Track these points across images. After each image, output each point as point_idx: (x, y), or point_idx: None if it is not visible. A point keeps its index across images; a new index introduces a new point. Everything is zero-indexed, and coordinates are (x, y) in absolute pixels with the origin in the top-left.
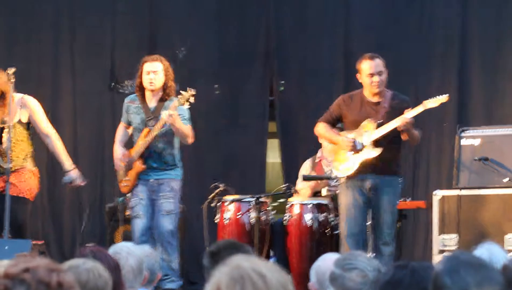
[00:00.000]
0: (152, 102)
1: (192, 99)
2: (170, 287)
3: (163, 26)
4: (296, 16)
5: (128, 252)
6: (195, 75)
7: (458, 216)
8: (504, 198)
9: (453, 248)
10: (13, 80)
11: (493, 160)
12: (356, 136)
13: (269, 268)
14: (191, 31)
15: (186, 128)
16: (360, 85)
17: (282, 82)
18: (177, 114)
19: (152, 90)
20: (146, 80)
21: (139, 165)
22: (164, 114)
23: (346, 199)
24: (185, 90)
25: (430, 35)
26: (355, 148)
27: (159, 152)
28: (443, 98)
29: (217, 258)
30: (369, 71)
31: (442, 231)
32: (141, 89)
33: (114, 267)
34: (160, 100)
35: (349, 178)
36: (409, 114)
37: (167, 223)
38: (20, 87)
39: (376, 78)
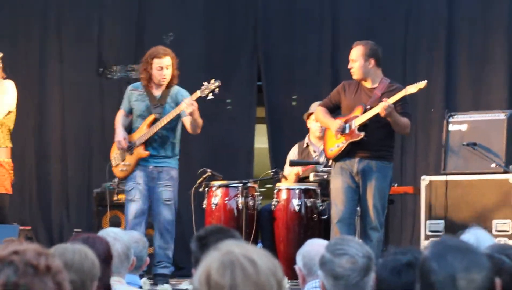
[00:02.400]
0: (157, 90)
1: (217, 91)
2: (162, 273)
3: (150, 13)
4: (284, 4)
5: (115, 238)
6: (183, 62)
7: (446, 201)
8: (491, 183)
9: (440, 233)
10: (1, 64)
11: (481, 145)
12: (346, 121)
13: (260, 255)
14: (179, 18)
15: (200, 120)
16: (348, 73)
17: (295, 97)
18: (196, 106)
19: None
20: (158, 76)
21: (142, 151)
22: (186, 102)
23: (337, 183)
24: (208, 82)
25: (417, 25)
26: (343, 131)
27: (162, 139)
28: (421, 84)
29: (204, 243)
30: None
31: (429, 216)
32: (149, 80)
33: (105, 254)
34: (165, 88)
35: (337, 161)
36: (390, 100)
37: (167, 212)
38: (8, 75)
39: (350, 65)
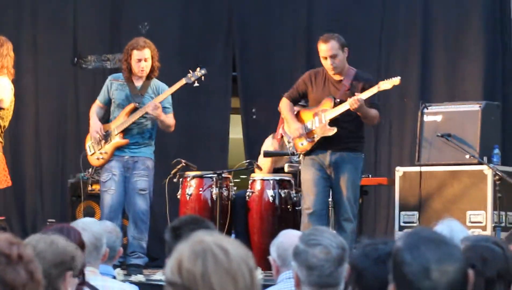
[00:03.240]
0: (138, 81)
1: (202, 79)
2: (136, 263)
3: (126, 2)
4: None
5: (83, 228)
6: (158, 50)
7: (420, 192)
8: (465, 175)
9: (414, 224)
10: None
11: (456, 137)
12: (315, 114)
13: (231, 243)
14: (154, 8)
15: (169, 119)
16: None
17: (254, 110)
18: (161, 109)
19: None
20: (136, 68)
21: (119, 140)
22: (150, 107)
23: (308, 175)
24: (194, 70)
25: (392, 15)
26: (303, 134)
27: (140, 128)
28: (395, 81)
29: (178, 233)
30: (322, 54)
31: (403, 207)
32: (129, 71)
33: (78, 244)
34: (146, 78)
35: (309, 154)
36: (361, 95)
37: (141, 202)
38: None
39: (328, 62)
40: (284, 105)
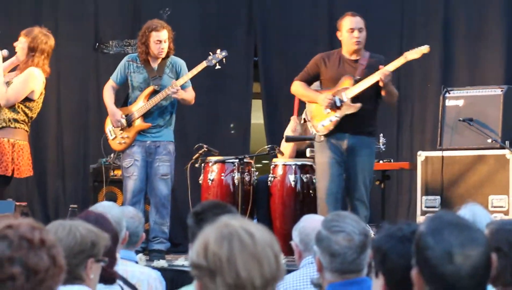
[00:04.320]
0: (154, 62)
1: (224, 61)
2: (158, 248)
3: None
4: None
5: (102, 212)
6: (179, 37)
7: (442, 177)
8: (487, 159)
9: (436, 209)
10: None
11: (477, 121)
12: (335, 94)
13: (257, 228)
14: None
15: (188, 95)
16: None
17: (232, 125)
18: (181, 90)
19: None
20: (156, 50)
21: (142, 123)
22: (170, 90)
23: (323, 158)
24: (214, 52)
25: (413, 1)
26: (334, 105)
27: (161, 110)
28: (423, 49)
29: (201, 218)
30: (350, 25)
31: (425, 192)
32: (146, 53)
33: (112, 236)
34: (162, 59)
35: (327, 136)
36: (390, 66)
37: (163, 187)
38: (2, 48)
39: (356, 34)
40: (299, 85)
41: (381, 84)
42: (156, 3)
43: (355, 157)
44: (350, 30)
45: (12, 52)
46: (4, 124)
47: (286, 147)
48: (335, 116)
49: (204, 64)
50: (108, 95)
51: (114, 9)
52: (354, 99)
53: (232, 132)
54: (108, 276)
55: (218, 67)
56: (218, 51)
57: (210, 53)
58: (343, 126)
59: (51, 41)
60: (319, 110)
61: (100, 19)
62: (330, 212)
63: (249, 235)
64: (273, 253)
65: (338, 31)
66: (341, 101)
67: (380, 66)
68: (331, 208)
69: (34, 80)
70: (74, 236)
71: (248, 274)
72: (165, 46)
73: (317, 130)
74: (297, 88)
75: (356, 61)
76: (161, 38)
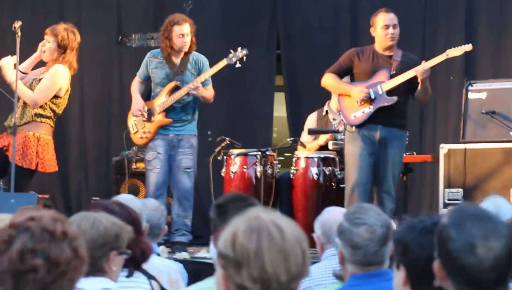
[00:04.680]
0: (176, 58)
1: (245, 59)
2: (180, 240)
3: None
4: None
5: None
6: (201, 30)
7: (464, 169)
8: (510, 152)
9: (459, 201)
10: (19, 33)
11: (500, 114)
12: (369, 87)
13: (287, 223)
14: None
15: (208, 92)
16: (368, 41)
17: (210, 132)
18: (201, 88)
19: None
20: (179, 43)
21: (163, 119)
22: (189, 87)
23: (354, 149)
24: (235, 50)
25: None
26: (369, 98)
27: (183, 104)
28: (467, 47)
29: (223, 211)
30: (385, 22)
31: (448, 185)
32: (169, 48)
33: (132, 222)
34: (184, 54)
35: (358, 127)
36: (429, 62)
37: (186, 180)
38: (26, 44)
39: (391, 30)
40: (330, 77)
41: (419, 79)
42: None
43: (386, 149)
44: (384, 26)
45: (34, 46)
46: (30, 119)
47: (308, 140)
48: (369, 108)
49: (224, 62)
50: (134, 87)
51: (136, 2)
52: (389, 93)
53: (210, 139)
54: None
55: (238, 65)
56: (239, 49)
57: (231, 50)
58: (375, 118)
59: (78, 37)
60: (352, 102)
61: (122, 12)
62: (360, 202)
63: (279, 230)
64: (301, 249)
65: (372, 27)
66: (376, 94)
67: (423, 61)
68: (360, 198)
69: (60, 77)
70: (98, 228)
71: (274, 269)
72: (187, 39)
73: (349, 120)
74: (329, 80)
75: (390, 57)
76: (183, 32)
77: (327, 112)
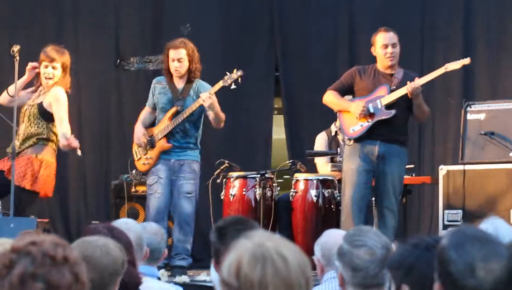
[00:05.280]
0: (179, 83)
1: (239, 80)
2: (180, 264)
3: (167, 3)
4: None
5: (126, 228)
6: (200, 52)
7: (464, 191)
8: (509, 173)
9: (458, 223)
10: (18, 57)
11: (499, 135)
12: (368, 101)
13: (291, 250)
14: (196, 8)
15: (220, 111)
16: (366, 62)
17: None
18: (215, 98)
19: (178, 76)
20: (171, 67)
21: (164, 144)
22: (204, 96)
23: (351, 165)
24: (230, 72)
25: (434, 13)
26: (367, 112)
27: (184, 132)
28: (465, 61)
29: (224, 234)
30: (384, 42)
31: (447, 206)
32: (169, 72)
33: (126, 245)
34: (187, 81)
35: (357, 142)
36: (422, 79)
37: (187, 205)
38: (24, 67)
39: (390, 49)
40: (332, 94)
41: (409, 95)
42: (177, 18)
43: (384, 165)
44: (383, 46)
45: (24, 66)
46: (33, 142)
47: (321, 162)
48: (367, 122)
49: (220, 84)
50: (140, 117)
51: (134, 25)
52: (388, 107)
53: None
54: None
55: (233, 86)
56: (234, 70)
57: (227, 72)
58: (374, 133)
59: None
60: (351, 117)
61: (120, 35)
62: (354, 220)
63: (283, 259)
64: (305, 279)
65: (372, 46)
66: (375, 108)
67: (416, 78)
68: (354, 215)
69: (65, 100)
70: (109, 256)
71: None
72: (180, 64)
73: (348, 134)
74: (329, 97)
75: (391, 75)
76: (175, 57)
77: (336, 132)
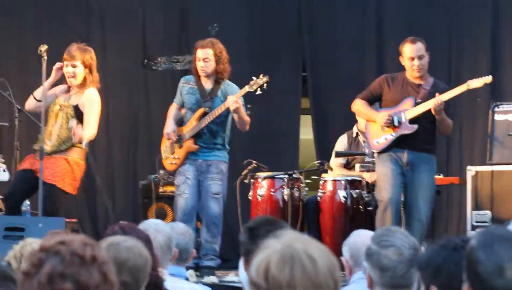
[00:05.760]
0: (207, 84)
1: (265, 86)
2: (208, 265)
3: (193, 3)
4: None
5: (156, 229)
6: (227, 52)
7: (492, 191)
8: None
9: (487, 224)
10: (45, 57)
11: None
12: (393, 113)
13: (320, 251)
14: (222, 7)
15: (246, 114)
16: (394, 62)
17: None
18: (241, 103)
19: (205, 76)
20: (198, 67)
21: (191, 145)
22: (230, 100)
23: (385, 169)
24: (257, 77)
25: (461, 15)
26: (392, 123)
27: (211, 133)
28: (486, 79)
29: (255, 234)
30: (410, 54)
31: (475, 207)
32: (197, 72)
33: (146, 242)
34: (215, 82)
35: (384, 152)
36: (444, 95)
37: (215, 206)
38: (50, 67)
39: (416, 62)
40: (360, 103)
41: (432, 112)
42: (203, 18)
43: (414, 173)
44: (410, 58)
45: (51, 66)
46: (70, 144)
47: (336, 163)
48: (391, 135)
49: (246, 89)
50: (170, 113)
51: (161, 25)
52: (412, 121)
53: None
54: (153, 282)
55: (259, 92)
56: (261, 76)
57: (253, 78)
58: (401, 143)
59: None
60: (377, 128)
61: (147, 34)
62: (393, 221)
63: (311, 261)
64: (333, 280)
65: (400, 56)
66: (399, 120)
67: (437, 94)
68: (393, 217)
69: (99, 104)
70: (145, 258)
71: None
72: (206, 65)
73: (373, 147)
74: (358, 106)
75: (419, 85)
76: (201, 56)
77: (357, 134)
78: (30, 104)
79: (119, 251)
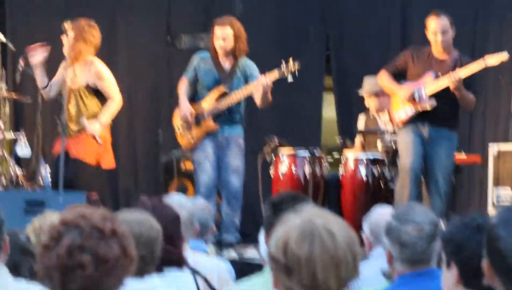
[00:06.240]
0: (225, 63)
1: (297, 74)
2: (229, 239)
3: None
4: None
5: (180, 205)
6: (251, 32)
7: None
8: None
9: (508, 201)
10: (70, 34)
11: None
12: (415, 86)
13: (339, 227)
14: None
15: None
16: (419, 40)
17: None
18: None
19: (223, 55)
20: (216, 45)
21: (211, 124)
22: (262, 82)
23: (407, 138)
24: (286, 62)
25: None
26: (413, 97)
27: (230, 110)
28: (502, 56)
29: (279, 209)
30: (434, 29)
31: (497, 184)
32: (214, 49)
33: (174, 219)
34: (233, 60)
35: (406, 124)
36: (462, 72)
37: (235, 180)
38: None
39: (439, 37)
40: (384, 77)
41: (451, 88)
42: None
43: (434, 147)
44: (434, 33)
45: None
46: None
47: (357, 141)
48: (411, 110)
49: (276, 74)
50: (182, 89)
51: (186, 2)
52: (433, 96)
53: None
54: (177, 260)
55: (290, 80)
56: (291, 61)
57: (283, 61)
58: (422, 117)
59: (97, 32)
60: (398, 102)
61: (172, 12)
62: (411, 187)
63: (331, 236)
64: (352, 255)
65: (426, 30)
66: (420, 96)
67: (457, 68)
68: (411, 184)
69: (107, 71)
70: (157, 230)
71: (324, 276)
72: (224, 44)
73: (394, 122)
74: (383, 80)
75: (443, 60)
76: (219, 34)
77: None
78: (47, 96)
79: (131, 226)
